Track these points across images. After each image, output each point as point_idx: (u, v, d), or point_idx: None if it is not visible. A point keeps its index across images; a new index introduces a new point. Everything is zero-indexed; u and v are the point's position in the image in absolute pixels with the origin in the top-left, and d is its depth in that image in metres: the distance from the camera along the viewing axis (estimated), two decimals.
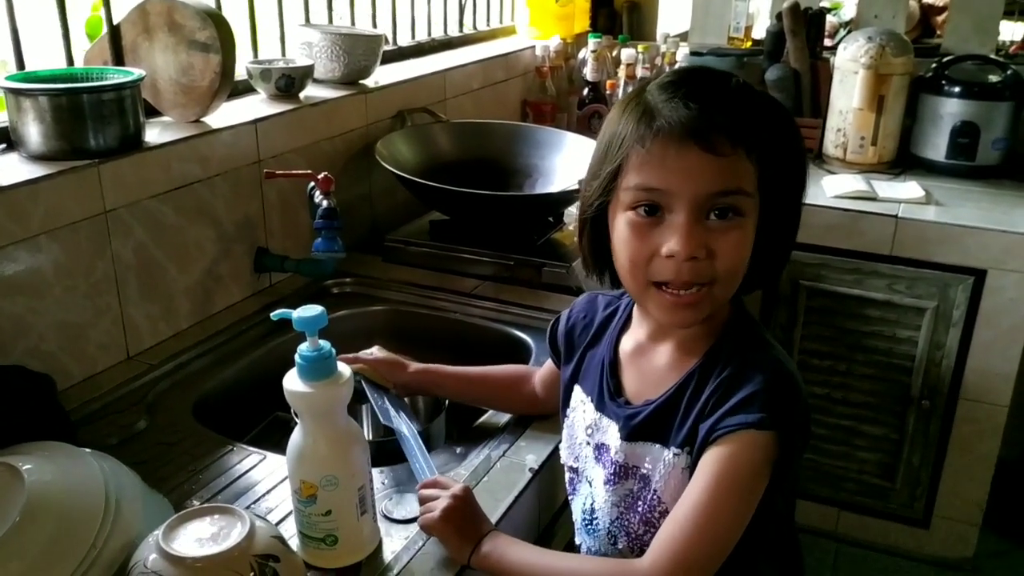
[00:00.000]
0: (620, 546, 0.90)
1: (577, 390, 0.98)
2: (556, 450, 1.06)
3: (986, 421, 1.97)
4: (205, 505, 0.80)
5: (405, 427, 1.03)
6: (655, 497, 0.86)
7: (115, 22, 1.32)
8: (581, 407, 0.96)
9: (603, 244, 0.87)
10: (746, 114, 0.78)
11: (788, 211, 0.84)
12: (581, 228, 0.89)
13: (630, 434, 0.88)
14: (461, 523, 0.88)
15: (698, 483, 0.79)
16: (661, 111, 0.78)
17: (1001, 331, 1.89)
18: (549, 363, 1.08)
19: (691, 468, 0.82)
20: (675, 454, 0.84)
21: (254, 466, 1.03)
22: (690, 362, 0.86)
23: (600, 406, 0.93)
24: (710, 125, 0.76)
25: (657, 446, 0.86)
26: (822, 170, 2.20)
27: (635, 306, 0.93)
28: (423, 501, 0.91)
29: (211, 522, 0.76)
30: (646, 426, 0.87)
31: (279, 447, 0.92)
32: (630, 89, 2.24)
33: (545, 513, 1.09)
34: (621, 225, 0.82)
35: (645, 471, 0.87)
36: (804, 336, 2.08)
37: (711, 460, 0.79)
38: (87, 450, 0.87)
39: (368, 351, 1.13)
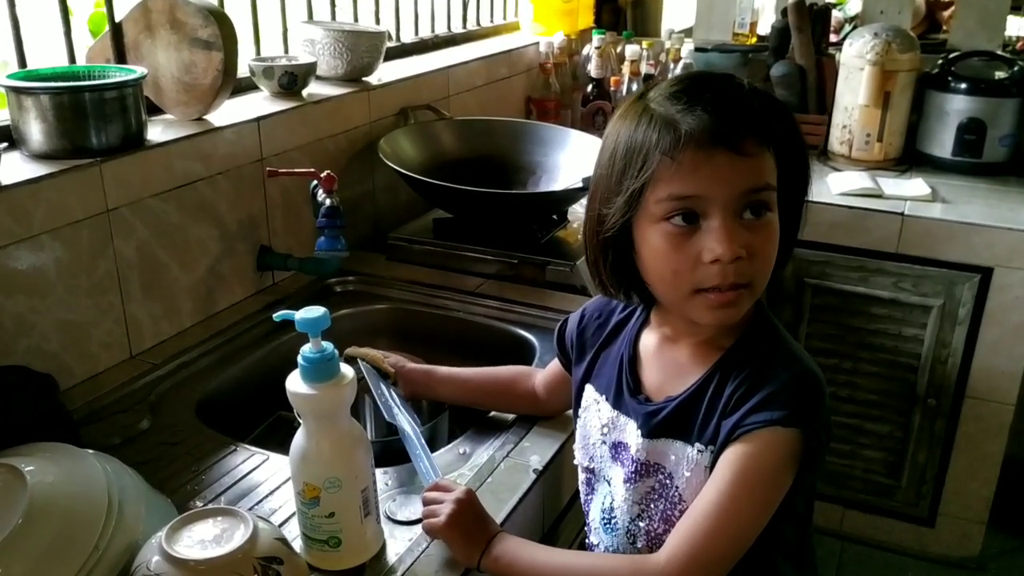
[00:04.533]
0: (639, 545, 0.90)
1: (589, 389, 0.97)
2: (561, 451, 1.05)
3: (992, 419, 1.96)
4: (208, 507, 0.80)
5: (408, 425, 1.03)
6: (677, 494, 0.86)
7: (117, 19, 1.32)
8: (595, 406, 0.95)
9: (627, 262, 0.86)
10: (763, 113, 0.80)
11: (797, 204, 0.86)
12: (602, 250, 0.86)
13: (652, 431, 0.87)
14: (467, 527, 0.87)
15: (719, 480, 0.79)
16: (682, 121, 0.78)
17: (1007, 329, 1.88)
18: (553, 364, 1.07)
19: (713, 465, 0.82)
20: (699, 451, 0.84)
21: (257, 466, 1.02)
22: (713, 357, 0.86)
23: (617, 404, 0.92)
24: (735, 130, 0.77)
25: (680, 443, 0.86)
26: (827, 167, 2.19)
27: (656, 305, 0.92)
28: (426, 505, 0.90)
29: (214, 524, 0.76)
30: (669, 423, 0.86)
31: (282, 447, 0.92)
32: (635, 86, 2.24)
33: (549, 515, 1.08)
34: (655, 238, 0.81)
35: (668, 468, 0.86)
36: (809, 334, 2.07)
37: (734, 457, 0.79)
38: (89, 451, 0.87)
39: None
